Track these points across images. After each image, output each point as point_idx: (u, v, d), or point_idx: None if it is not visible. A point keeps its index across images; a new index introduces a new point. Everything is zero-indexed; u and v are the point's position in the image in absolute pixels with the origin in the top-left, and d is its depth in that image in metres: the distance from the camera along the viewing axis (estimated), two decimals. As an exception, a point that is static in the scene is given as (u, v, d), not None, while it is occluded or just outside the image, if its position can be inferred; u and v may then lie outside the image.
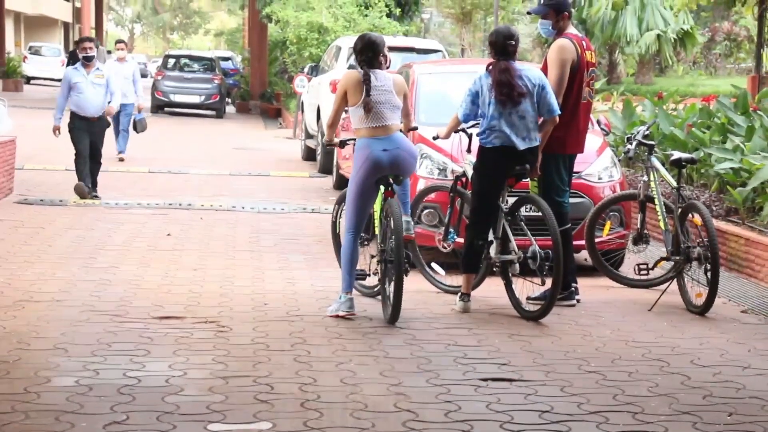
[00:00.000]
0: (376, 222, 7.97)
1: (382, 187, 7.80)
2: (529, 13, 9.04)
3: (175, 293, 8.37)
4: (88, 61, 13.49)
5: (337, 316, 7.72)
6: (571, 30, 8.41)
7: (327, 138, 8.29)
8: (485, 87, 8.00)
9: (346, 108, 7.92)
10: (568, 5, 8.43)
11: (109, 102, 13.57)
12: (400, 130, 7.87)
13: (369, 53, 7.79)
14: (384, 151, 7.70)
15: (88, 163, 13.49)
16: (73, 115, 13.39)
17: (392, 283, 7.50)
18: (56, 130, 13.71)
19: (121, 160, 18.06)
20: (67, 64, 32.01)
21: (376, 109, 7.71)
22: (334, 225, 8.94)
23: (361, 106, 7.72)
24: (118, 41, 19.25)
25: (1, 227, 11.26)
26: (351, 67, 17.73)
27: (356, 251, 7.85)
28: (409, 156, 7.78)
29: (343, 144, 8.54)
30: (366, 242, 8.17)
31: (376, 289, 8.28)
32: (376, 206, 7.94)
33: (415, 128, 8.35)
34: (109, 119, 14.14)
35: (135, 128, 17.83)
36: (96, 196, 13.37)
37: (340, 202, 8.71)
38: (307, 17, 25.84)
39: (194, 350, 6.67)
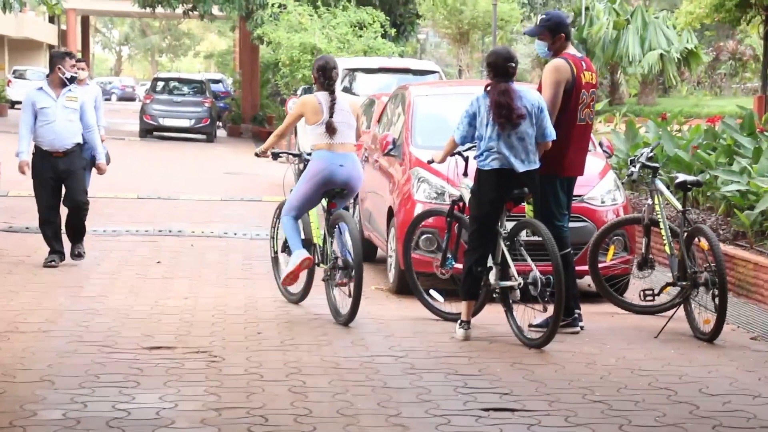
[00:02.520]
0: (316, 232, 8.96)
1: (325, 200, 8.77)
2: (525, 34, 8.94)
3: (166, 322, 8.25)
4: (72, 81, 10.72)
5: (298, 269, 8.63)
6: (570, 50, 8.32)
7: (264, 146, 9.16)
8: (483, 108, 7.88)
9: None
10: (566, 26, 8.34)
11: (84, 144, 10.70)
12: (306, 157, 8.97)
13: (333, 76, 8.72)
14: (341, 167, 8.59)
15: (59, 220, 10.65)
16: (36, 151, 10.56)
17: (353, 284, 8.29)
18: (24, 166, 10.53)
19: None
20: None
21: (338, 128, 8.58)
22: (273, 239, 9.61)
23: (322, 125, 8.59)
24: (76, 60, 17.60)
25: (-15, 255, 11.09)
26: (345, 89, 17.71)
27: (297, 225, 8.87)
28: (359, 176, 8.77)
29: (275, 156, 9.36)
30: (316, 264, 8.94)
31: (300, 296, 9.10)
32: (314, 220, 8.97)
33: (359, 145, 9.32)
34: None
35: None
36: (80, 255, 10.75)
37: (278, 216, 9.39)
38: (300, 38, 25.79)
39: (186, 381, 6.58)
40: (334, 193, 8.71)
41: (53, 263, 10.47)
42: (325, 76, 8.69)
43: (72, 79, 10.67)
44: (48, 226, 10.55)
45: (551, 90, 8.13)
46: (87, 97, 13.52)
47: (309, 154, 8.88)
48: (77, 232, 10.68)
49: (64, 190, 10.56)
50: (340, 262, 8.59)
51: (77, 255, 10.66)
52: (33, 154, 10.48)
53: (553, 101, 8.12)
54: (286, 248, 9.03)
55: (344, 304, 8.44)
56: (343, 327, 8.22)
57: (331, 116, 8.58)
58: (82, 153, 10.72)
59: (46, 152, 10.46)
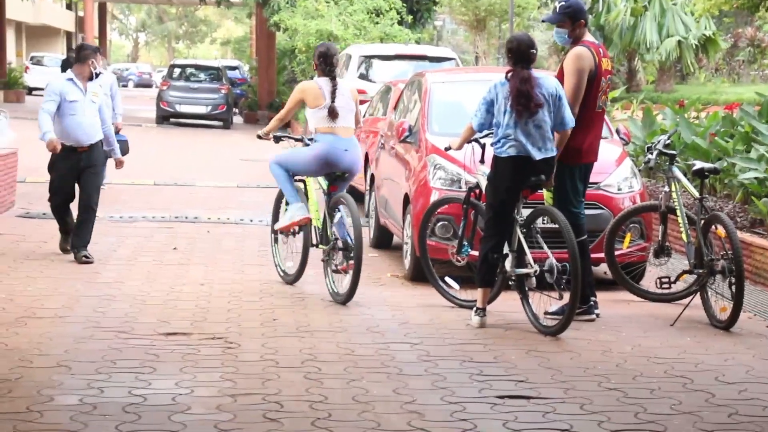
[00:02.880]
0: (315, 215, 9.16)
1: (325, 183, 9.05)
2: (544, 21, 8.87)
3: (182, 309, 8.25)
4: (91, 78, 10.38)
5: (294, 224, 9.05)
6: (588, 37, 8.28)
7: (266, 129, 9.32)
8: (501, 95, 7.84)
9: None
10: (584, 13, 8.30)
11: (110, 148, 10.71)
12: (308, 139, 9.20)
13: (334, 63, 9.06)
14: (345, 151, 8.89)
15: (71, 213, 10.48)
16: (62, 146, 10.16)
17: (353, 263, 8.50)
18: (56, 142, 10.05)
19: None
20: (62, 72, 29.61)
21: (340, 113, 8.87)
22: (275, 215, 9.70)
23: (324, 109, 8.90)
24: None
25: (2, 241, 11.16)
26: (362, 76, 17.68)
27: (289, 176, 9.15)
28: (361, 159, 9.23)
29: (277, 139, 9.43)
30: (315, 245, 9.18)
31: (294, 277, 9.36)
32: (314, 202, 9.23)
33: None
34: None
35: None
36: (87, 259, 10.08)
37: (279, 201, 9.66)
38: (317, 25, 25.73)
39: (201, 367, 6.58)
40: (336, 176, 8.97)
41: (87, 258, 10.06)
42: (326, 63, 9.01)
43: (98, 75, 10.50)
44: (58, 205, 10.42)
45: (575, 78, 8.08)
46: (103, 85, 13.48)
47: (311, 139, 9.08)
48: (85, 237, 10.18)
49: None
50: (339, 244, 8.82)
51: (85, 258, 10.05)
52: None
53: (577, 89, 8.07)
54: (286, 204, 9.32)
55: (342, 284, 8.68)
56: (358, 314, 8.21)
57: (333, 101, 8.88)
58: (101, 149, 10.51)
59: (69, 148, 10.15)
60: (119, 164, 10.94)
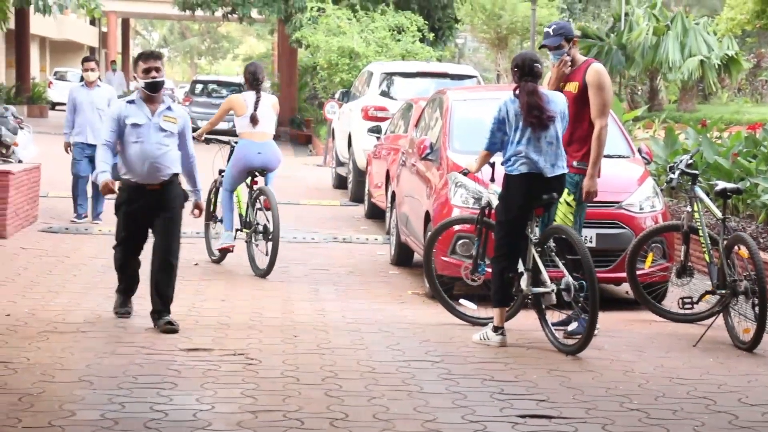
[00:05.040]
0: (240, 204, 11.05)
1: (248, 179, 10.89)
2: (543, 47, 8.93)
3: (203, 324, 8.26)
4: (153, 91, 8.12)
5: (225, 249, 10.90)
6: (581, 56, 8.52)
7: (198, 132, 10.98)
8: (511, 112, 7.85)
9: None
10: (573, 31, 8.54)
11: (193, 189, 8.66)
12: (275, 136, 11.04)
13: (260, 79, 10.82)
14: (258, 153, 10.71)
15: (136, 269, 8.45)
16: (123, 186, 8.28)
17: (270, 244, 10.45)
18: (110, 184, 8.08)
19: (96, 222, 13.50)
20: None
21: (260, 120, 10.67)
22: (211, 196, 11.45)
23: (247, 117, 10.68)
24: (86, 58, 14.09)
25: (25, 256, 11.18)
26: (383, 93, 17.75)
27: (232, 200, 11.00)
28: (276, 158, 10.88)
29: (208, 141, 11.41)
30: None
31: (219, 257, 11.10)
32: (239, 193, 11.03)
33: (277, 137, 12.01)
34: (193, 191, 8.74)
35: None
36: (171, 326, 8.00)
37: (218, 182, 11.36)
38: (338, 42, 25.79)
39: (222, 383, 6.58)
40: (254, 174, 10.84)
41: (126, 314, 8.41)
42: (254, 79, 10.79)
43: (156, 86, 7.97)
44: (124, 271, 8.43)
45: (604, 93, 8.27)
46: (98, 100, 13.26)
47: (236, 142, 10.88)
48: (163, 297, 8.12)
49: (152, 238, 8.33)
50: (260, 228, 10.65)
51: (168, 324, 7.98)
52: (119, 189, 8.26)
53: (606, 103, 8.28)
54: (219, 221, 11.12)
55: (262, 261, 10.50)
56: (379, 332, 8.19)
57: (255, 110, 10.67)
58: (179, 186, 8.37)
59: (137, 186, 8.17)
60: (197, 210, 8.63)
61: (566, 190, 8.16)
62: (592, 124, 8.23)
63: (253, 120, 10.66)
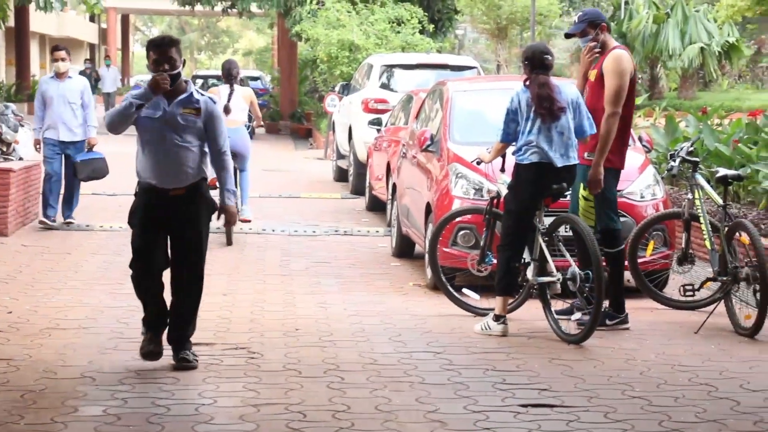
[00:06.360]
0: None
1: None
2: (567, 36, 8.90)
3: (205, 319, 8.21)
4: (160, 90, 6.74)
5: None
6: (616, 42, 8.29)
7: None
8: (523, 102, 7.86)
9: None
10: (603, 17, 8.37)
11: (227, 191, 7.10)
12: (249, 124, 12.91)
13: (233, 74, 12.51)
14: (229, 138, 11.14)
15: (160, 292, 7.00)
16: (140, 190, 6.96)
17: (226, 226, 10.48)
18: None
19: (68, 223, 12.82)
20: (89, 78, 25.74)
21: (233, 110, 12.25)
22: None
23: (220, 107, 11.32)
24: (56, 47, 12.97)
25: (26, 253, 11.20)
26: (383, 85, 17.77)
27: None
28: (245, 144, 12.50)
29: None
30: None
31: None
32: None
33: (261, 125, 14.44)
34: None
35: (75, 173, 12.52)
36: (188, 363, 6.81)
37: None
38: (338, 35, 25.74)
39: (224, 377, 6.60)
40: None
41: (152, 355, 6.83)
42: (228, 74, 12.55)
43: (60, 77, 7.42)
44: (146, 294, 7.02)
45: (618, 80, 8.04)
46: (69, 92, 12.28)
47: None
48: (184, 323, 6.92)
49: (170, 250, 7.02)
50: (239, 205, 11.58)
51: (184, 362, 6.79)
52: (135, 194, 7.00)
53: (619, 91, 8.04)
54: None
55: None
56: (380, 324, 8.19)
57: (228, 102, 12.25)
58: (209, 193, 7.10)
59: (155, 190, 6.87)
60: (230, 217, 7.19)
61: (581, 185, 8.13)
62: None
63: (226, 110, 12.04)
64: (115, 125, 6.81)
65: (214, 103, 6.95)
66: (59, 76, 12.49)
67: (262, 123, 14.40)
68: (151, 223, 6.84)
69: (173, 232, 6.88)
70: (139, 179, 6.92)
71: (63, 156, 12.49)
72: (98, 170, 12.53)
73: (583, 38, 8.32)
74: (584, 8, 8.97)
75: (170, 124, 6.79)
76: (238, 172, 12.41)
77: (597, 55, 8.19)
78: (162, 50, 6.76)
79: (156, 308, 6.93)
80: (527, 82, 7.90)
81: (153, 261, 6.87)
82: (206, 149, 6.93)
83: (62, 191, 12.77)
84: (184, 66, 6.82)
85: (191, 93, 6.85)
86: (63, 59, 12.51)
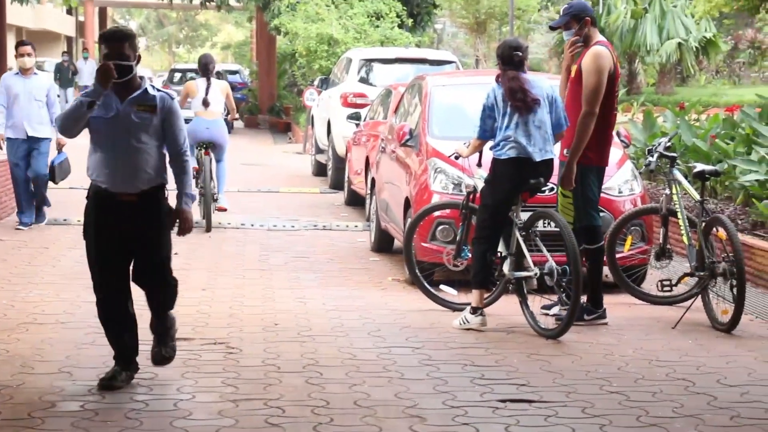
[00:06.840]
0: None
1: (198, 150, 13.13)
2: (551, 28, 8.85)
3: (183, 314, 8.17)
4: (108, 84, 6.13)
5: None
6: (600, 37, 8.21)
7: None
8: (499, 98, 7.89)
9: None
10: (589, 10, 8.23)
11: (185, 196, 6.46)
12: (226, 117, 13.57)
13: (210, 68, 13.44)
14: (207, 129, 13.13)
15: (129, 320, 6.44)
16: (91, 194, 6.30)
17: (211, 210, 12.68)
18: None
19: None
20: (55, 78, 26.28)
21: (210, 102, 13.19)
22: None
23: (199, 99, 13.25)
24: (21, 42, 12.68)
25: (3, 247, 11.15)
26: (362, 79, 17.75)
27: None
28: (222, 134, 13.30)
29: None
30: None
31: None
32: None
33: (236, 118, 15.32)
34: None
35: (52, 177, 12.35)
36: (165, 357, 6.48)
37: None
38: (317, 29, 25.71)
39: (203, 372, 6.58)
40: (204, 146, 13.08)
41: (109, 387, 6.16)
42: (205, 69, 13.42)
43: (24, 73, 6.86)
44: (110, 322, 6.41)
45: (596, 77, 7.94)
46: (35, 89, 11.80)
47: (188, 120, 11.44)
48: (161, 327, 6.47)
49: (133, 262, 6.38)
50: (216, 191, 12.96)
51: (162, 357, 6.43)
52: (87, 196, 6.34)
53: (597, 88, 7.94)
54: None
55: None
56: (359, 319, 8.19)
57: (206, 94, 13.19)
58: (165, 199, 6.37)
59: (107, 195, 6.23)
60: (184, 224, 6.34)
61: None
62: None
63: (204, 102, 13.16)
64: (68, 127, 6.16)
65: (172, 99, 6.26)
66: (24, 72, 12.06)
67: (236, 116, 15.62)
68: (105, 240, 6.18)
69: (130, 244, 6.24)
70: (91, 180, 6.28)
71: (25, 155, 12.06)
72: (66, 170, 12.40)
73: (566, 31, 8.24)
74: (568, 2, 8.87)
75: (124, 125, 6.13)
76: (215, 162, 13.21)
77: (579, 49, 8.14)
78: (112, 45, 6.11)
79: (117, 346, 6.36)
80: (499, 79, 7.92)
81: (114, 286, 6.28)
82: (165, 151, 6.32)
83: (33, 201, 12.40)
84: (138, 62, 6.16)
85: (145, 89, 6.19)
86: (29, 54, 12.08)
